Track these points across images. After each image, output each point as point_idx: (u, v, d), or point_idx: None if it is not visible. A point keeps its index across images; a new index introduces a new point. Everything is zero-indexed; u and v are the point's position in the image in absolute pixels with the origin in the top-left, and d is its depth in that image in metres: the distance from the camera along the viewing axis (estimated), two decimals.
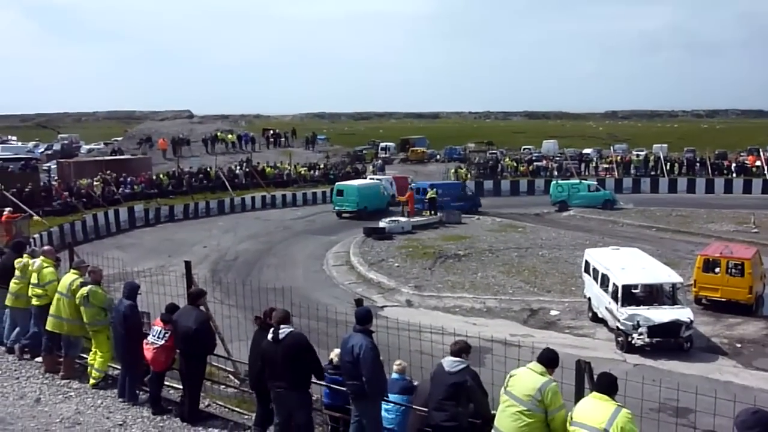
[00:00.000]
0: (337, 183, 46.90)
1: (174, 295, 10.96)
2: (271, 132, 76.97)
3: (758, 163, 59.08)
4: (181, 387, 10.03)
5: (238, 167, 55.44)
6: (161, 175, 49.35)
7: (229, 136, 68.97)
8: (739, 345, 20.10)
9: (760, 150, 64.39)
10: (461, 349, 7.29)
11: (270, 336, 7.92)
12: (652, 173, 57.72)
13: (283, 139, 74.61)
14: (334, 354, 9.62)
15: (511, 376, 6.68)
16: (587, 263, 23.54)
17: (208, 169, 52.46)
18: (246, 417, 9.79)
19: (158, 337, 9.51)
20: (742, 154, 66.91)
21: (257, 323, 8.84)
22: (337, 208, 43.50)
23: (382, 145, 79.70)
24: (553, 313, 23.24)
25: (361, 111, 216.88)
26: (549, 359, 6.64)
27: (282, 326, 7.88)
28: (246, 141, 68.85)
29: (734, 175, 56.50)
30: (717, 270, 23.05)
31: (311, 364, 8.02)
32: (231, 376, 12.50)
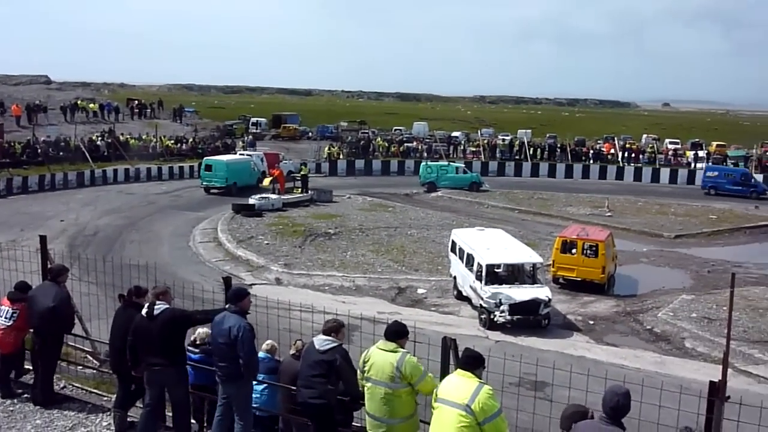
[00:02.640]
0: (205, 158, 45.73)
1: (26, 271, 10.30)
2: (136, 102, 73.77)
3: (613, 150, 62.74)
4: (32, 368, 9.45)
5: (100, 138, 52.83)
6: (15, 144, 46.26)
7: (91, 105, 65.48)
8: (591, 322, 21.31)
9: (615, 138, 68.43)
10: (332, 328, 7.24)
11: (144, 312, 7.59)
12: (517, 157, 59.95)
13: (149, 110, 71.67)
14: (198, 334, 9.35)
15: (365, 361, 6.72)
16: (453, 243, 24.16)
17: (67, 139, 49.67)
18: (105, 398, 9.35)
19: (5, 318, 8.88)
20: (599, 141, 70.66)
21: (121, 301, 8.43)
22: (205, 183, 42.37)
23: (254, 120, 78.16)
24: (420, 291, 23.73)
25: (232, 84, 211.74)
26: (396, 332, 6.72)
27: (158, 302, 7.58)
28: (109, 111, 65.61)
29: (591, 161, 59.66)
30: (573, 251, 24.29)
31: (195, 325, 7.86)
32: (89, 357, 11.92)
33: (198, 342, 9.26)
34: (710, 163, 56.04)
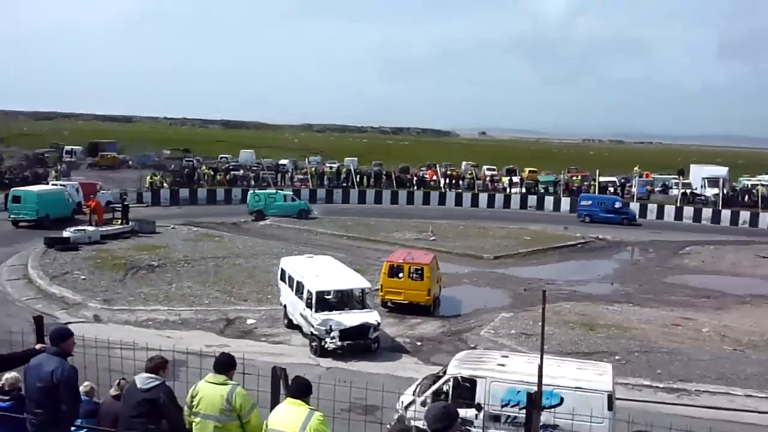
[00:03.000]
0: (12, 188, 42.38)
1: None
2: None
3: (435, 177, 65.37)
4: None
5: None
6: None
7: None
8: (419, 343, 21.89)
9: (437, 165, 71.35)
10: (157, 365, 6.92)
11: None
12: (344, 185, 60.85)
13: None
14: (7, 379, 8.58)
15: (193, 396, 6.51)
16: (283, 271, 23.99)
17: None
18: None
19: None
20: (422, 168, 73.39)
21: None
22: (12, 216, 39.24)
23: (68, 148, 74.02)
24: (250, 321, 23.30)
25: (44, 110, 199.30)
26: (225, 364, 6.60)
27: None
28: None
29: (415, 187, 61.76)
30: (400, 275, 24.91)
31: None
32: None
33: (7, 388, 8.49)
34: (583, 192, 58.63)
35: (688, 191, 60.73)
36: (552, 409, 12.02)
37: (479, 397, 13.12)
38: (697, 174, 68.17)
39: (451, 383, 13.68)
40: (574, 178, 67.00)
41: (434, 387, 13.89)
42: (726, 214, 53.06)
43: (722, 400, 17.28)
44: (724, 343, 22.00)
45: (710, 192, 59.41)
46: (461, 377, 13.66)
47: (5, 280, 27.45)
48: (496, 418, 12.83)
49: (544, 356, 7.68)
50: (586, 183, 64.31)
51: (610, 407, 12.43)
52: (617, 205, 51.57)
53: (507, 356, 15.29)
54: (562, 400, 12.62)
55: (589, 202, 52.22)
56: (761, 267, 36.15)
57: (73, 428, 7.52)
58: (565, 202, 57.24)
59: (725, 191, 57.86)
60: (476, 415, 12.68)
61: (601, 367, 14.56)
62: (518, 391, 12.39)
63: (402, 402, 13.58)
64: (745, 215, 52.62)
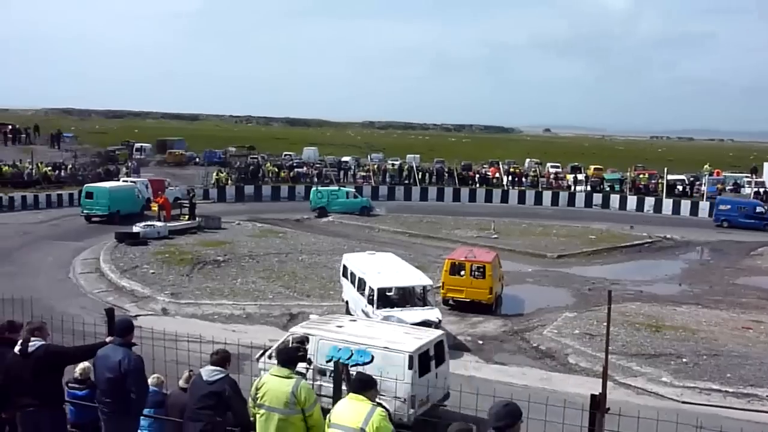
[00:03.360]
0: (86, 185, 43.81)
1: None
2: (10, 128, 70.24)
3: (498, 174, 64.78)
4: None
5: None
6: None
7: None
8: (481, 342, 21.77)
9: (500, 163, 70.70)
10: (221, 359, 7.10)
11: (17, 349, 7.10)
12: (406, 182, 60.85)
13: (23, 136, 68.35)
14: (80, 369, 8.91)
15: (258, 388, 6.62)
16: (345, 268, 24.17)
17: None
18: None
19: None
20: (484, 166, 72.80)
21: None
22: (86, 211, 40.59)
23: (137, 145, 75.90)
24: (313, 317, 23.52)
25: (114, 109, 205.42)
26: (289, 359, 6.68)
27: (32, 339, 7.11)
28: None
29: (477, 185, 61.32)
30: (462, 273, 24.81)
31: (71, 363, 7.50)
32: None
33: (80, 377, 8.81)
34: (719, 195, 55.15)
35: (762, 190, 58.62)
36: (362, 366, 13.05)
37: (311, 353, 14.50)
38: None
39: (290, 339, 15.25)
40: (641, 176, 65.31)
41: (279, 342, 15.33)
42: None
43: None
44: None
45: None
46: (299, 335, 15.22)
47: (78, 273, 28.45)
48: (322, 372, 13.73)
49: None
50: (653, 181, 62.68)
51: (411, 366, 13.58)
52: (759, 209, 48.02)
53: (354, 320, 17.89)
54: (372, 358, 13.94)
55: (728, 206, 48.73)
56: None
57: (141, 417, 7.77)
58: (632, 201, 55.97)
59: None
60: (307, 368, 13.49)
61: (430, 333, 15.81)
62: (339, 349, 14.21)
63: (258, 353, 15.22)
64: None
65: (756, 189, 57.78)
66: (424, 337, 14.98)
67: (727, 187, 64.68)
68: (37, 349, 7.10)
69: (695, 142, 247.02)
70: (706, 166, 72.69)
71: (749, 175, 67.32)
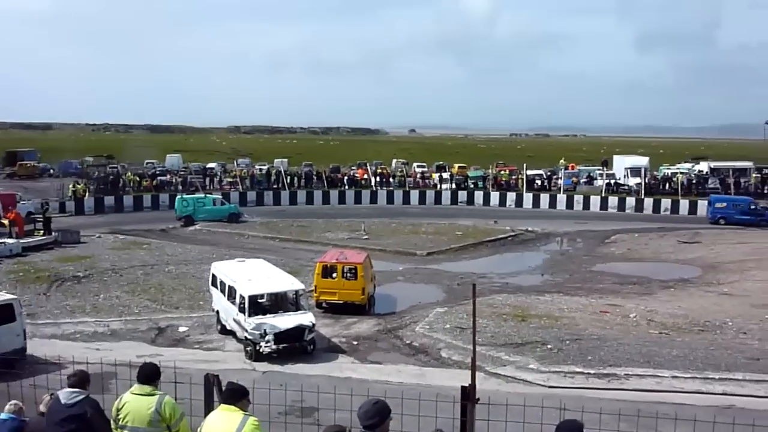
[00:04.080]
0: None
1: None
2: None
3: (366, 176, 65.42)
4: None
5: None
6: None
7: None
8: (355, 342, 21.88)
9: (368, 164, 71.43)
10: (80, 379, 6.71)
11: None
12: (275, 186, 60.28)
13: None
14: None
15: (119, 409, 6.35)
16: (214, 277, 23.61)
17: None
18: None
19: None
20: (352, 168, 73.28)
21: None
22: None
23: None
24: (182, 329, 22.85)
25: None
26: (150, 374, 6.44)
27: None
28: None
29: (346, 187, 61.66)
30: (334, 275, 24.85)
31: None
32: None
33: None
34: (714, 194, 54.74)
35: (612, 181, 62.49)
36: None
37: None
38: (620, 164, 70.18)
39: None
40: (503, 172, 68.06)
41: None
42: (648, 202, 54.89)
43: (650, 382, 17.82)
44: (650, 327, 22.72)
45: (633, 181, 61.24)
46: None
47: None
48: None
49: None
50: (514, 177, 65.42)
51: None
52: (752, 206, 48.84)
53: None
54: None
55: (724, 204, 49.54)
56: (683, 252, 37.55)
57: None
58: (495, 196, 58.20)
59: (647, 180, 59.72)
60: None
61: None
62: None
63: None
64: (666, 203, 54.50)
65: (607, 181, 61.45)
66: None
67: (582, 180, 68.54)
68: None
69: (551, 138, 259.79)
70: (561, 161, 76.65)
71: (601, 168, 71.56)
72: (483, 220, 47.37)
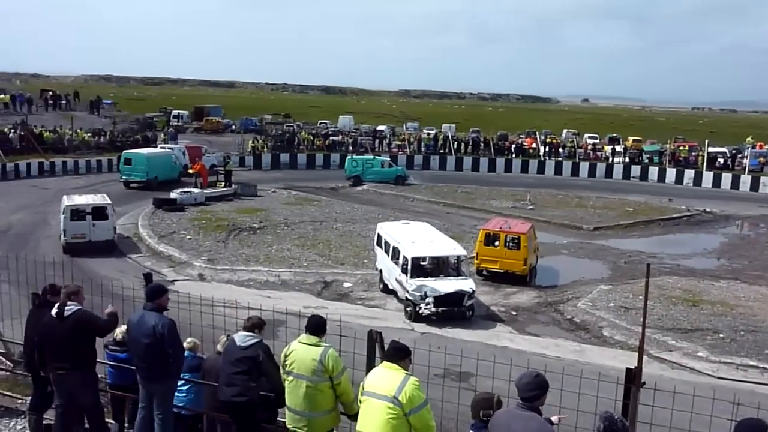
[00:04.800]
0: (124, 151, 44.38)
1: None
2: (51, 93, 71.38)
3: (534, 145, 64.07)
4: None
5: (12, 131, 50.71)
6: None
7: (2, 96, 62.94)
8: (514, 313, 21.74)
9: (537, 133, 69.87)
10: (254, 325, 7.14)
11: (54, 312, 7.26)
12: (441, 151, 60.47)
13: (64, 102, 69.43)
14: (119, 332, 9.06)
15: (286, 355, 6.66)
16: (379, 237, 24.22)
17: None
18: (20, 401, 8.98)
19: None
20: (520, 136, 71.98)
21: (35, 300, 8.07)
22: (124, 177, 41.20)
23: (175, 113, 76.46)
24: (346, 285, 23.72)
25: (152, 76, 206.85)
26: (318, 326, 6.68)
27: (69, 303, 7.26)
28: (21, 102, 63.42)
29: (513, 155, 60.71)
30: (496, 243, 24.71)
31: (100, 332, 7.60)
32: (2, 358, 11.43)
33: (120, 339, 8.95)
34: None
35: None
36: None
37: None
38: None
39: None
40: (681, 148, 64.06)
41: None
42: None
43: None
44: None
45: None
46: None
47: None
48: None
49: None
50: (693, 153, 61.48)
51: None
52: None
53: None
54: None
55: None
56: None
57: (179, 382, 7.91)
58: (671, 173, 55.02)
59: None
60: None
61: None
62: None
63: None
64: None
65: None
66: None
67: None
68: (72, 314, 7.25)
69: (738, 114, 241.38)
70: (748, 139, 70.92)
71: None
72: (656, 197, 45.02)
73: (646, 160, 59.80)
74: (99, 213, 26.48)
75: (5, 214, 32.14)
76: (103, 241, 26.22)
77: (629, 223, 36.58)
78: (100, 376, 8.76)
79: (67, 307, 7.25)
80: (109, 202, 27.37)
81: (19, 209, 33.38)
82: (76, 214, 26.23)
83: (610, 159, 60.33)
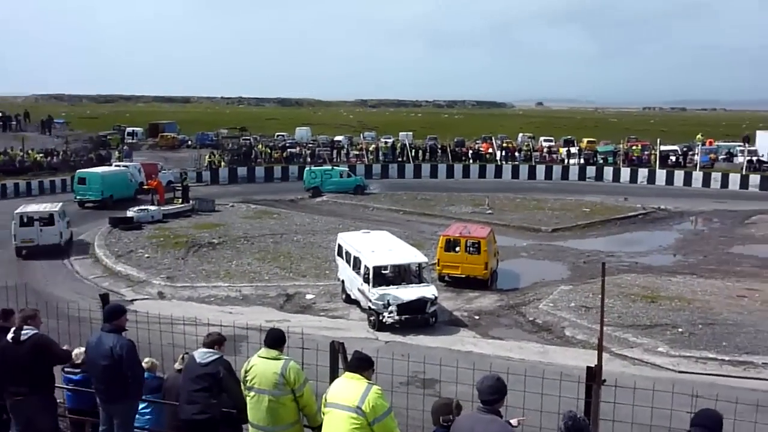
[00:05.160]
0: (78, 170, 43.63)
1: None
2: (0, 114, 69.74)
3: (491, 150, 64.64)
4: None
5: None
6: None
7: None
8: (477, 317, 21.86)
9: (493, 138, 70.50)
10: (214, 341, 7.07)
11: (10, 337, 7.11)
12: (399, 159, 60.65)
13: (14, 123, 68.00)
14: (77, 352, 8.87)
15: (247, 371, 6.60)
16: (340, 247, 24.17)
17: None
18: None
19: None
20: (477, 141, 72.49)
21: None
22: (78, 197, 40.47)
23: (129, 130, 75.55)
24: (309, 296, 23.61)
25: (105, 93, 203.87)
26: (277, 339, 6.64)
27: (25, 327, 7.12)
28: None
29: (471, 161, 61.14)
30: (457, 249, 24.83)
31: (59, 360, 7.56)
32: None
33: (78, 362, 8.77)
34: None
35: (755, 159, 58.58)
36: None
37: None
38: (764, 141, 65.56)
39: None
40: (634, 147, 65.15)
41: None
42: None
43: None
44: None
45: None
46: None
47: (73, 258, 28.40)
48: None
49: None
50: (646, 152, 62.59)
51: None
52: None
53: None
54: None
55: None
56: None
57: (140, 402, 7.77)
58: (625, 173, 55.98)
59: None
60: None
61: None
62: None
63: None
64: None
65: (749, 158, 57.72)
66: None
67: (720, 157, 64.64)
68: (29, 338, 7.12)
69: (688, 112, 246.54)
70: (698, 136, 72.55)
71: (742, 143, 67.22)
72: (612, 196, 45.77)
73: (601, 161, 60.74)
74: (47, 220, 29.05)
75: None
76: (51, 244, 28.58)
77: (587, 224, 37.10)
78: (58, 400, 8.59)
79: (23, 332, 7.12)
80: (56, 209, 29.67)
81: None
82: (25, 220, 28.87)
83: (566, 161, 61.13)
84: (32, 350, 7.10)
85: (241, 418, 6.94)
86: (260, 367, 6.52)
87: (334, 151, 64.01)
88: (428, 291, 20.69)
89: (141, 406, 7.87)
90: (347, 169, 51.23)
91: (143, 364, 8.60)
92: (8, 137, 61.13)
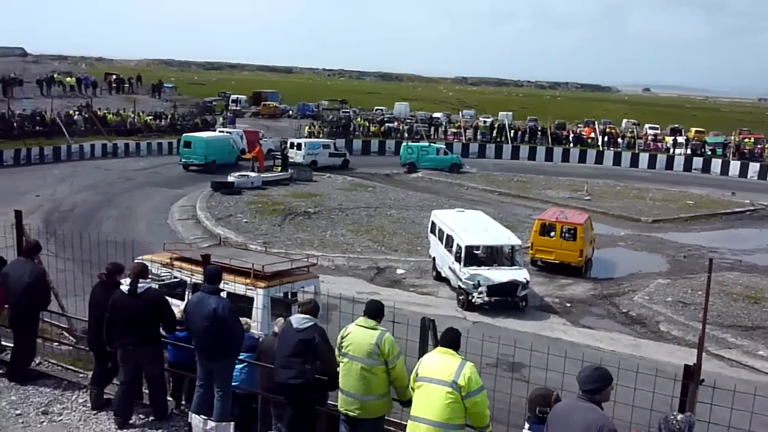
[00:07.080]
0: (184, 134, 45.21)
1: (1, 247, 10.13)
2: (114, 77, 72.90)
3: (593, 134, 62.95)
4: (7, 344, 9.34)
5: (77, 113, 52.05)
6: None
7: (68, 78, 64.69)
8: (568, 304, 21.49)
9: (596, 122, 68.61)
10: (311, 308, 7.24)
11: (126, 289, 7.53)
12: (497, 140, 59.90)
13: (127, 85, 70.91)
14: (179, 311, 9.27)
15: (343, 337, 6.74)
16: (433, 224, 24.17)
17: (43, 113, 48.85)
18: (81, 375, 9.29)
19: None
20: (579, 125, 70.77)
21: (99, 278, 8.33)
22: (183, 160, 42.01)
23: (233, 97, 77.42)
24: (399, 271, 23.76)
25: (213, 60, 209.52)
26: (376, 311, 6.74)
27: (140, 280, 7.53)
28: (86, 85, 64.92)
29: (571, 144, 59.79)
30: (552, 234, 24.41)
31: (167, 320, 7.94)
32: (65, 333, 11.83)
33: (179, 318, 9.16)
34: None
35: None
36: None
37: None
38: None
39: None
40: (746, 140, 62.10)
41: None
42: None
43: None
44: None
45: None
46: None
47: (176, 219, 29.58)
48: None
49: None
50: (759, 146, 59.53)
51: None
52: None
53: None
54: None
55: None
56: None
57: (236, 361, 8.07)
58: (735, 166, 53.40)
59: None
60: None
61: None
62: None
63: None
64: None
65: None
66: None
67: None
68: (145, 291, 7.53)
69: None
70: None
71: None
72: (719, 190, 43.84)
73: (709, 152, 58.16)
74: None
75: (70, 194, 33.12)
76: None
77: (689, 217, 35.71)
78: None
79: (139, 285, 7.52)
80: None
81: (82, 189, 34.34)
82: None
83: (671, 150, 58.94)
84: (147, 304, 7.53)
85: (332, 385, 7.12)
86: (357, 335, 6.66)
87: (432, 128, 63.80)
88: (520, 274, 20.47)
89: (238, 365, 8.16)
90: (444, 146, 51.01)
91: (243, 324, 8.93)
92: (121, 99, 63.81)
